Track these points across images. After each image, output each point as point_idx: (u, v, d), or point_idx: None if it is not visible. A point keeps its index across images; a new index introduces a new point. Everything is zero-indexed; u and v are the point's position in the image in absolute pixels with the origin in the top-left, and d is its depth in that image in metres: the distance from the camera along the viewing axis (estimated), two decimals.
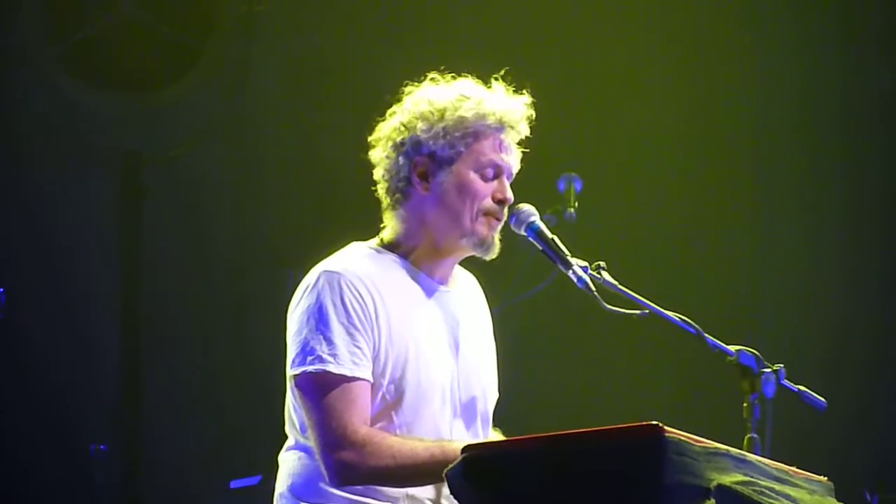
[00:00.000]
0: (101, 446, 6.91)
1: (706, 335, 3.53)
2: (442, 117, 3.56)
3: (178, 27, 7.51)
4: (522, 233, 3.64)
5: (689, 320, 3.54)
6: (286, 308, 3.57)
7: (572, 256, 3.59)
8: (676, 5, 7.65)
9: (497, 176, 3.59)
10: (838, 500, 3.37)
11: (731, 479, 3.04)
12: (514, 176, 3.63)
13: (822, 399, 3.65)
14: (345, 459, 3.41)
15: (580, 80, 7.59)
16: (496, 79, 3.64)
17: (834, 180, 7.59)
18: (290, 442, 3.59)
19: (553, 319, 7.43)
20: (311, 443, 3.47)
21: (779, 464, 3.25)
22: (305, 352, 3.45)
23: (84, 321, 7.42)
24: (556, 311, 7.30)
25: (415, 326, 3.54)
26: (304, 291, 3.52)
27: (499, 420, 3.77)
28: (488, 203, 3.58)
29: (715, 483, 3.01)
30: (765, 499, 3.06)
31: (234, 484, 6.91)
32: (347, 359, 3.45)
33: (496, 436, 3.76)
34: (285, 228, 7.57)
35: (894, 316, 7.44)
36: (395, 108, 3.65)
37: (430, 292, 3.61)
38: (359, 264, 3.55)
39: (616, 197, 7.56)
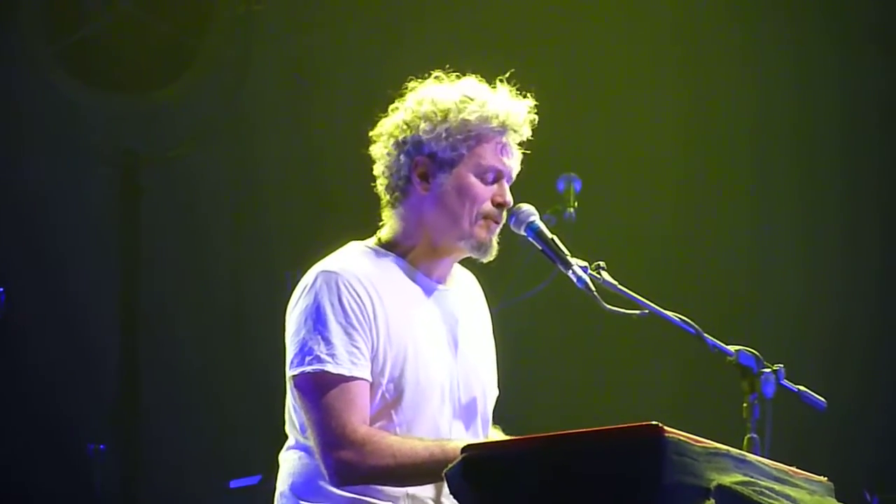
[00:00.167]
0: (101, 446, 6.91)
1: (706, 335, 3.52)
2: (445, 118, 3.56)
3: (176, 27, 7.51)
4: (522, 233, 3.64)
5: (689, 320, 3.53)
6: (284, 308, 3.56)
7: (572, 256, 3.59)
8: (675, 6, 7.65)
9: (497, 180, 3.59)
10: (838, 501, 3.36)
11: (730, 479, 3.04)
12: (514, 179, 3.62)
13: (822, 399, 3.65)
14: (344, 459, 3.41)
15: (580, 81, 7.59)
16: (501, 80, 3.63)
17: (832, 180, 7.59)
18: (290, 441, 3.59)
19: (553, 319, 7.43)
20: (311, 442, 3.46)
21: (779, 464, 3.24)
22: (304, 352, 3.45)
23: (82, 321, 7.42)
24: (555, 312, 7.30)
25: (413, 325, 3.54)
26: (302, 292, 3.52)
27: (498, 420, 3.77)
28: (487, 207, 3.58)
29: (715, 483, 3.00)
30: (765, 499, 3.06)
31: (233, 484, 6.91)
32: (346, 358, 3.45)
33: (496, 433, 3.76)
34: (283, 229, 7.56)
35: (893, 315, 7.45)
36: (397, 103, 3.65)
37: (428, 291, 3.61)
38: (356, 264, 3.54)
39: (616, 197, 7.55)
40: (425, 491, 3.50)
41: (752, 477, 3.10)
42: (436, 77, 3.66)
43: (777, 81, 7.61)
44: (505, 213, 3.60)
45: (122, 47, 7.47)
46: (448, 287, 3.66)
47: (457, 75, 3.65)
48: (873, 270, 7.51)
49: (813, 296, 7.52)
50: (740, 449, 3.27)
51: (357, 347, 3.46)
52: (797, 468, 3.30)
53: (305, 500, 3.52)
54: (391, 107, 3.65)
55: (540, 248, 3.62)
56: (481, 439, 3.63)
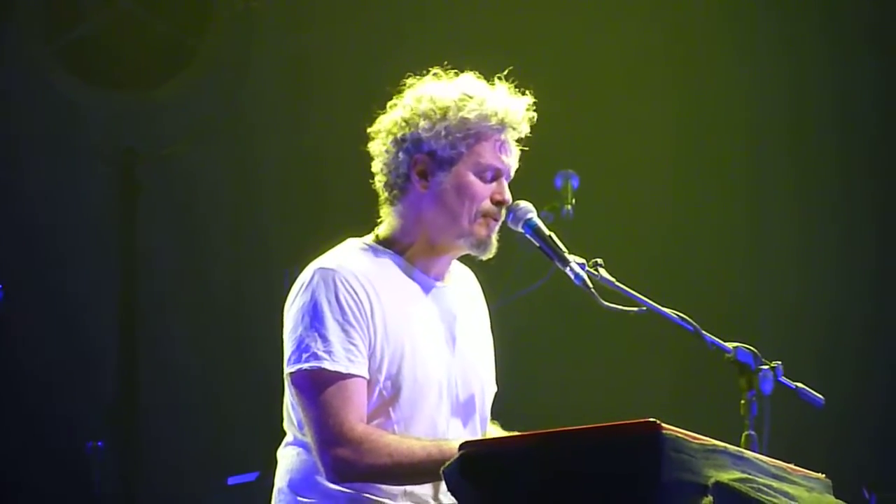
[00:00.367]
0: (99, 444, 6.90)
1: (704, 332, 3.52)
2: (444, 116, 3.56)
3: (174, 24, 7.51)
4: (520, 230, 3.63)
5: (687, 317, 3.53)
6: (282, 306, 3.56)
7: (569, 253, 3.58)
8: (673, 5, 7.65)
9: (496, 178, 3.59)
10: (836, 498, 3.36)
11: (728, 476, 3.04)
12: (512, 176, 3.63)
13: (820, 396, 3.65)
14: (341, 456, 3.41)
15: (577, 78, 7.59)
16: (500, 78, 3.63)
17: (828, 178, 7.59)
18: (288, 438, 3.60)
19: (550, 316, 7.43)
20: (309, 439, 3.46)
21: (777, 461, 3.24)
22: (301, 349, 3.45)
23: (80, 318, 7.41)
24: (553, 308, 7.30)
25: (411, 322, 3.54)
26: (300, 289, 3.52)
27: (496, 417, 3.77)
28: (487, 205, 3.58)
29: (713, 480, 3.00)
30: (762, 496, 3.06)
31: (231, 480, 6.91)
32: (343, 356, 3.45)
33: (494, 429, 3.76)
34: (282, 226, 7.56)
35: (890, 312, 7.45)
36: (395, 100, 3.65)
37: (426, 288, 3.61)
38: (354, 261, 3.54)
39: (613, 194, 7.55)
40: (423, 488, 3.50)
41: (750, 474, 3.10)
42: (434, 74, 3.66)
43: (772, 77, 7.62)
44: (503, 211, 3.60)
45: (121, 45, 7.47)
46: (446, 284, 3.66)
47: (455, 72, 3.66)
48: (869, 266, 7.51)
49: (809, 293, 7.52)
50: (738, 446, 3.26)
51: (354, 345, 3.46)
52: (795, 465, 3.30)
53: (303, 497, 3.52)
54: (389, 103, 3.66)
55: (537, 244, 3.62)
56: (479, 436, 3.63)
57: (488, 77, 3.64)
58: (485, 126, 3.56)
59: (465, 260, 3.72)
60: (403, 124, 3.59)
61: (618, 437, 2.97)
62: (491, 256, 3.61)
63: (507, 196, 3.59)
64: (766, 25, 7.63)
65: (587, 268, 3.56)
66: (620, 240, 7.44)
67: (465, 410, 3.60)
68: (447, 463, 3.17)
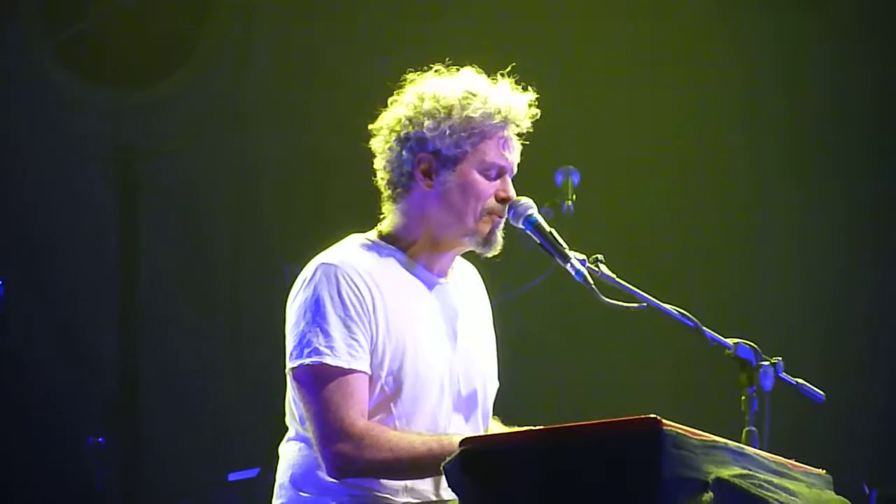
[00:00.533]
0: (100, 440, 6.90)
1: (704, 328, 3.52)
2: (448, 115, 3.55)
3: (173, 20, 7.50)
4: (520, 226, 3.63)
5: (687, 313, 3.53)
6: (283, 302, 3.56)
7: (570, 249, 3.58)
8: (672, 2, 7.65)
9: (500, 175, 3.59)
10: (837, 494, 3.36)
11: (729, 472, 3.04)
12: (515, 171, 3.63)
13: (821, 392, 3.64)
14: (342, 452, 3.41)
15: (578, 74, 7.59)
16: (502, 75, 3.63)
17: (828, 175, 7.60)
18: (290, 433, 3.60)
19: (551, 313, 7.43)
20: (310, 434, 3.47)
21: (777, 457, 3.24)
22: (303, 344, 3.45)
23: (80, 316, 7.41)
24: (553, 305, 7.30)
25: (413, 318, 3.54)
26: (302, 284, 3.52)
27: (498, 412, 3.77)
28: (491, 202, 3.58)
29: (713, 476, 3.01)
30: (763, 492, 3.06)
31: (232, 476, 6.91)
32: (344, 351, 3.45)
33: (496, 425, 3.76)
34: (281, 223, 7.56)
35: (890, 308, 7.45)
36: (396, 96, 3.64)
37: (428, 285, 3.61)
38: (356, 257, 3.54)
39: (614, 190, 7.56)
40: (424, 484, 3.50)
41: (750, 470, 3.10)
42: (436, 70, 3.66)
43: (772, 76, 7.63)
44: (506, 207, 3.60)
45: (120, 41, 7.46)
46: (449, 280, 3.66)
47: (456, 68, 3.65)
48: (869, 262, 7.52)
49: (810, 288, 7.52)
50: (739, 442, 3.26)
51: (356, 340, 3.46)
52: (796, 461, 3.30)
53: (305, 492, 3.52)
54: (390, 99, 3.65)
55: (538, 241, 3.62)
56: (481, 432, 3.63)
57: (490, 74, 3.64)
58: (489, 124, 3.56)
59: (467, 256, 3.72)
60: (407, 122, 3.58)
61: (618, 433, 2.97)
62: (496, 253, 3.61)
63: (512, 193, 3.59)
64: (765, 23, 7.63)
65: (588, 264, 3.56)
66: (621, 236, 7.45)
67: (466, 406, 3.60)
68: (448, 459, 3.17)
